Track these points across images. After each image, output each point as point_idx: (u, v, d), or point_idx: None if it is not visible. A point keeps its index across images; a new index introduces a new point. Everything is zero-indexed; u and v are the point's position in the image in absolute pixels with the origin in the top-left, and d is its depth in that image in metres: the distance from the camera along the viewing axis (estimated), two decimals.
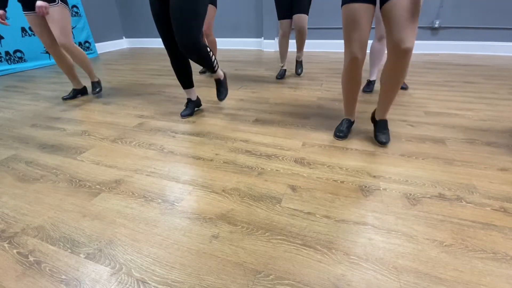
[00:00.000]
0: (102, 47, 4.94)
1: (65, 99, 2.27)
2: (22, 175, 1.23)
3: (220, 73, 1.78)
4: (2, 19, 1.88)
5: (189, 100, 1.87)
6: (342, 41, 4.14)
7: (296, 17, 2.42)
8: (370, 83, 2.26)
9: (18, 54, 3.48)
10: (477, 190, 1.03)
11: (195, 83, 2.63)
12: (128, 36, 5.54)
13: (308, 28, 4.19)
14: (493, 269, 0.73)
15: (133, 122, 1.78)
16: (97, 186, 1.13)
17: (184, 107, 2.01)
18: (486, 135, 1.46)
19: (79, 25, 4.22)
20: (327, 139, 1.47)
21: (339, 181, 1.11)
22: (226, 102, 2.10)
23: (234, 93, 2.32)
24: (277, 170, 1.20)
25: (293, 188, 1.08)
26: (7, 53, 3.35)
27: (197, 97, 1.92)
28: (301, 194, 1.04)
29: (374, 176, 1.14)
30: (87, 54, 4.40)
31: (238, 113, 1.88)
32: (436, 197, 1.01)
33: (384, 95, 1.31)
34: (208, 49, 1.56)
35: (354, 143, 1.41)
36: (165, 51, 4.79)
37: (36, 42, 3.66)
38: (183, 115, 1.82)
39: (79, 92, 2.35)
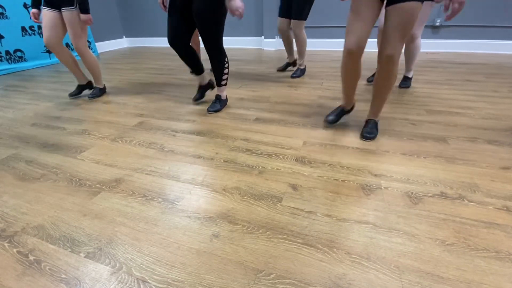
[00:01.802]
0: (102, 47, 4.93)
1: (72, 95, 2.27)
2: (22, 174, 1.22)
3: (224, 93, 1.93)
4: (36, 18, 1.94)
5: (199, 86, 2.01)
6: (343, 40, 4.14)
7: (292, 22, 2.46)
8: (407, 79, 2.30)
9: (19, 54, 3.47)
10: (479, 189, 1.03)
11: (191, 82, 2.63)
12: (128, 35, 5.54)
13: (309, 26, 4.19)
14: (496, 268, 0.72)
15: (133, 121, 1.77)
16: (97, 185, 1.12)
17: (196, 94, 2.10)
18: (488, 133, 1.45)
19: None
20: (328, 137, 1.46)
21: (340, 180, 1.11)
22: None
23: (234, 91, 2.31)
24: (277, 169, 1.20)
25: (294, 187, 1.07)
26: (7, 52, 3.35)
27: (209, 80, 2.02)
28: (302, 193, 1.04)
29: (376, 175, 1.13)
30: None
31: (238, 112, 1.87)
32: (438, 195, 1.00)
33: (375, 98, 1.41)
34: (226, 62, 1.77)
35: (355, 142, 1.41)
36: (165, 51, 4.79)
37: (37, 41, 3.65)
38: (193, 99, 2.04)
39: (84, 88, 2.32)
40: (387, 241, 0.81)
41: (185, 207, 0.98)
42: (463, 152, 1.28)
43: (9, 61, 3.38)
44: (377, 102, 1.41)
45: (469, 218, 0.89)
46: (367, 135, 1.42)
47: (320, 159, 1.26)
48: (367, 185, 1.07)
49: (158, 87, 2.54)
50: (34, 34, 3.62)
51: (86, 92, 2.41)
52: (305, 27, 4.20)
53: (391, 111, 1.78)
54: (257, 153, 1.33)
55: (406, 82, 2.29)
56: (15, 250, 0.83)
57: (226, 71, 1.81)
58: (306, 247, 0.80)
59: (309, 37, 4.27)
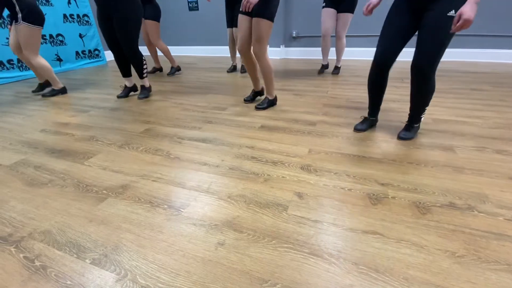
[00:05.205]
0: (111, 55, 5.04)
1: (119, 97, 2.53)
2: (31, 180, 1.24)
3: (146, 82, 2.46)
4: None
5: (125, 86, 2.51)
6: (345, 49, 4.18)
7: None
8: (336, 68, 3.21)
9: None
10: (489, 199, 1.01)
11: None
12: None
13: (310, 36, 4.23)
14: (508, 281, 0.70)
15: (140, 128, 1.79)
16: (104, 191, 1.13)
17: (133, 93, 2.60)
18: (496, 143, 1.43)
19: (89, 34, 4.33)
20: (334, 145, 1.46)
21: (346, 189, 1.10)
22: (231, 108, 2.11)
23: (240, 99, 2.33)
24: (283, 177, 1.19)
25: (300, 195, 1.07)
26: (19, 60, 3.44)
27: (134, 84, 2.55)
28: (307, 202, 1.03)
29: (382, 184, 1.12)
30: (96, 61, 4.49)
31: (243, 119, 1.89)
32: (447, 206, 0.98)
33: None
34: (144, 60, 2.32)
35: (360, 150, 1.40)
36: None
37: (47, 49, 3.76)
38: (118, 96, 2.49)
39: (43, 87, 2.71)
40: (395, 252, 0.80)
41: (191, 215, 0.98)
42: (471, 162, 1.26)
43: (21, 68, 3.47)
44: (265, 83, 2.02)
45: (479, 229, 0.87)
46: (257, 105, 2.05)
47: (326, 167, 1.26)
48: (373, 194, 1.06)
49: (164, 94, 2.58)
50: (45, 42, 3.72)
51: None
52: (309, 36, 4.26)
53: (397, 119, 1.78)
54: (262, 161, 1.33)
55: (335, 70, 3.20)
56: (21, 255, 0.83)
57: (145, 66, 2.34)
58: (312, 257, 0.79)
59: (314, 46, 4.31)
